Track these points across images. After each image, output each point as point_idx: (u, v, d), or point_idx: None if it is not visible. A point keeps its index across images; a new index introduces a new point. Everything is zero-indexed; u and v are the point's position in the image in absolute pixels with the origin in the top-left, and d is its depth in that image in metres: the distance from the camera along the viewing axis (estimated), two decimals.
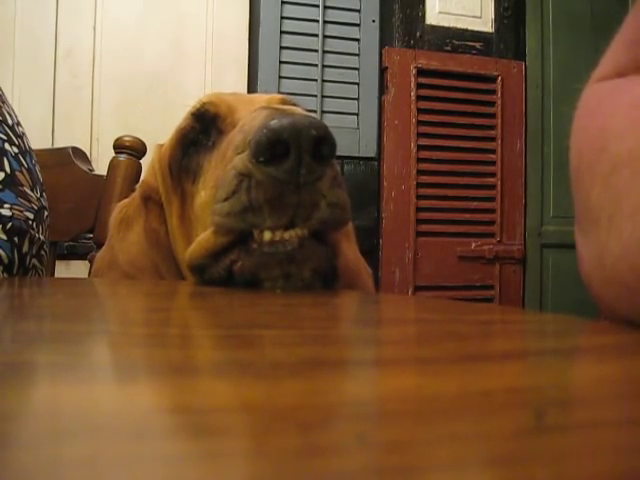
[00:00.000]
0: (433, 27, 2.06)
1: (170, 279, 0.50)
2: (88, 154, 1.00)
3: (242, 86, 1.91)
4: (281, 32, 1.88)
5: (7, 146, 0.60)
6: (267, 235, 0.39)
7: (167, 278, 0.50)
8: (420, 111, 1.98)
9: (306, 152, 0.37)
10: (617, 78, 0.35)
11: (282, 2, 1.88)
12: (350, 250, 0.54)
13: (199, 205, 0.45)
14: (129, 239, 0.52)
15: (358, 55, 1.95)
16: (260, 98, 0.52)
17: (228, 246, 0.41)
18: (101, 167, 0.94)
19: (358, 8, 1.96)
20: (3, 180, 0.58)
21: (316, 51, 1.91)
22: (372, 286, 0.57)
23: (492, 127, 2.04)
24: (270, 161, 0.37)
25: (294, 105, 0.49)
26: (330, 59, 1.93)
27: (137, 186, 0.55)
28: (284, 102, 0.51)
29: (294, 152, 0.37)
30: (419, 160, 1.97)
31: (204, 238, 0.42)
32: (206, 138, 0.48)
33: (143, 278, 0.50)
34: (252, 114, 0.42)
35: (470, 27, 2.09)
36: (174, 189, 0.49)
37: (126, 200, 0.56)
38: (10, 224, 0.57)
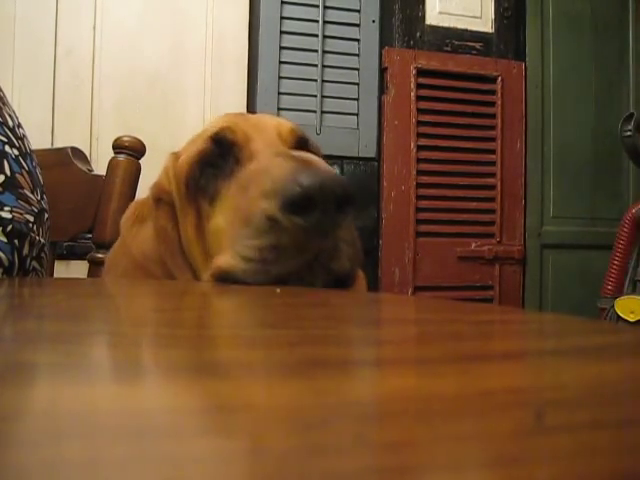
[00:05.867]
0: (433, 27, 2.06)
1: (176, 272, 0.54)
2: (88, 154, 1.00)
3: (242, 86, 1.91)
4: (281, 32, 1.88)
5: (7, 148, 0.60)
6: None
7: (173, 271, 0.54)
8: (420, 111, 1.98)
9: (331, 207, 0.42)
10: None
11: (282, 2, 1.88)
12: None
13: (216, 226, 0.50)
14: (142, 234, 0.57)
15: (358, 55, 1.95)
16: (270, 123, 0.56)
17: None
18: (101, 167, 0.94)
19: (358, 8, 1.96)
20: (3, 182, 0.58)
21: (316, 51, 1.91)
22: (364, 288, 0.62)
23: (492, 127, 2.05)
24: (298, 212, 0.42)
25: (302, 134, 0.57)
26: (330, 59, 1.93)
27: (150, 188, 0.61)
28: (294, 133, 0.56)
29: (321, 207, 0.42)
30: (419, 160, 1.97)
31: (225, 261, 0.46)
32: (224, 163, 0.52)
33: (152, 269, 0.55)
34: (276, 159, 0.46)
35: (470, 27, 2.09)
36: (189, 202, 0.54)
37: (139, 200, 0.62)
38: (10, 227, 0.57)
